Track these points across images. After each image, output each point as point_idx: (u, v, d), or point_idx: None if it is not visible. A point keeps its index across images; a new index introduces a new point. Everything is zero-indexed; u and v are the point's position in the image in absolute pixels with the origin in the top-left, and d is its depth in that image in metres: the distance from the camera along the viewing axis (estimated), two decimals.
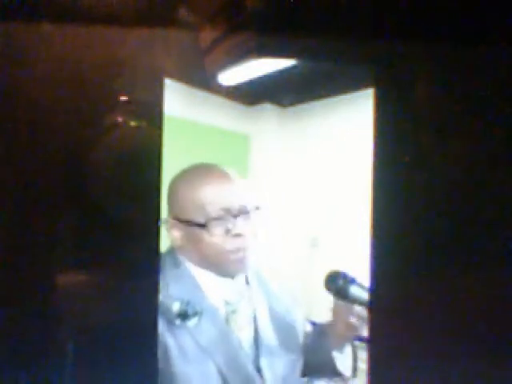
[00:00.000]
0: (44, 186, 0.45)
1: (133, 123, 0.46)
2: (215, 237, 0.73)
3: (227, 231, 0.73)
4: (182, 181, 0.78)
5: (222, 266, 0.75)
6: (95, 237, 0.46)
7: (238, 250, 0.74)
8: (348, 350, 0.84)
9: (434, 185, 0.47)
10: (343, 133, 2.38)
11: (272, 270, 0.89)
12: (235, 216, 0.73)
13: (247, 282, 0.82)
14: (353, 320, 0.78)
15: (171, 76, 0.48)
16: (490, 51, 0.46)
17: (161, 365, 0.67)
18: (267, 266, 0.88)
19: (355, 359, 0.83)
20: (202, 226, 0.72)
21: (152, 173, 0.46)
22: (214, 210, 0.73)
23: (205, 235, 0.73)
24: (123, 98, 0.45)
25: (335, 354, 0.82)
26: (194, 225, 0.73)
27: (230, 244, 0.73)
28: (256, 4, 0.48)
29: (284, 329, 0.81)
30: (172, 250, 0.78)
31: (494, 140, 0.47)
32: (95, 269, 0.46)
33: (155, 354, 0.47)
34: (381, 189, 0.46)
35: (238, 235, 0.74)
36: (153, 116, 0.46)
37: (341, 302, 0.79)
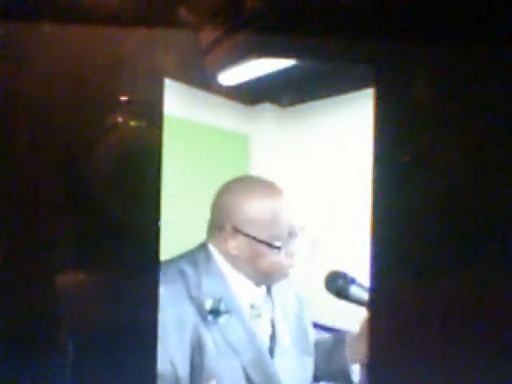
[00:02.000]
0: (44, 186, 0.45)
1: (133, 123, 0.46)
2: (279, 257, 0.77)
3: (287, 252, 0.78)
4: (249, 194, 0.78)
5: (269, 278, 0.79)
6: (95, 237, 0.46)
7: (289, 267, 0.79)
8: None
9: (434, 185, 0.46)
10: (343, 133, 2.37)
11: (288, 284, 0.90)
12: (294, 238, 0.78)
13: (269, 292, 0.84)
14: None
15: (171, 76, 0.48)
16: (490, 51, 0.46)
17: (195, 356, 0.69)
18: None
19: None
20: (277, 248, 0.75)
21: (152, 173, 0.46)
22: (284, 233, 0.76)
23: (268, 253, 0.76)
24: (123, 98, 0.45)
25: (353, 367, 0.84)
26: (267, 245, 0.75)
27: (286, 262, 0.78)
28: (256, 4, 0.48)
29: (297, 332, 0.84)
30: (204, 246, 0.80)
31: (494, 140, 0.47)
32: (95, 269, 0.46)
33: (155, 354, 0.47)
34: (381, 189, 0.46)
35: (292, 255, 0.78)
36: (153, 116, 0.46)
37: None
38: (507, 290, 0.46)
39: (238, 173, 0.86)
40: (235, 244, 0.76)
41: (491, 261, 0.46)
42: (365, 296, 0.75)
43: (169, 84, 0.47)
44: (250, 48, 0.49)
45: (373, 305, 0.49)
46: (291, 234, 0.77)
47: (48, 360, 0.45)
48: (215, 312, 0.72)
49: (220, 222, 0.78)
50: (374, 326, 0.47)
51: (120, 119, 0.46)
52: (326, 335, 0.93)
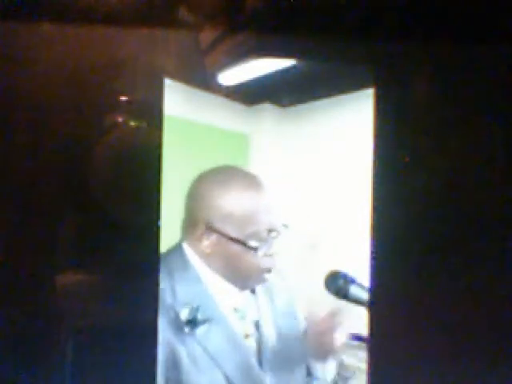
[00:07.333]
0: (44, 185, 0.45)
1: (133, 123, 0.46)
2: (256, 257, 0.70)
3: (267, 252, 0.71)
4: (224, 186, 0.70)
5: (247, 280, 0.73)
6: (95, 237, 0.46)
7: (268, 269, 0.73)
8: (332, 362, 0.81)
9: (433, 185, 0.47)
10: (343, 133, 2.37)
11: (277, 277, 0.88)
12: (274, 237, 0.72)
13: (253, 291, 0.80)
14: (328, 338, 0.75)
15: (171, 76, 0.48)
16: (490, 51, 0.46)
17: (170, 372, 0.64)
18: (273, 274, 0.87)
19: (338, 374, 0.81)
20: (253, 248, 0.69)
21: (152, 173, 0.46)
22: (262, 231, 0.69)
23: (244, 253, 0.70)
24: (123, 98, 0.45)
25: (318, 364, 0.80)
26: (242, 244, 0.68)
27: (264, 263, 0.72)
28: (256, 4, 0.48)
29: (286, 336, 0.80)
30: (179, 249, 0.74)
31: (494, 140, 0.47)
32: (95, 269, 0.46)
33: (155, 355, 0.47)
34: (381, 189, 0.46)
35: (271, 255, 0.72)
36: (153, 116, 0.46)
37: (315, 318, 0.77)
38: (507, 289, 0.46)
39: None
40: (209, 242, 0.69)
41: (491, 260, 0.46)
42: (365, 296, 0.75)
43: (169, 84, 0.47)
44: (250, 48, 0.49)
45: (373, 305, 0.49)
46: (271, 233, 0.70)
47: (48, 360, 0.45)
48: (192, 322, 0.66)
49: (193, 218, 0.71)
50: (374, 326, 0.47)
51: (120, 119, 0.46)
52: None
